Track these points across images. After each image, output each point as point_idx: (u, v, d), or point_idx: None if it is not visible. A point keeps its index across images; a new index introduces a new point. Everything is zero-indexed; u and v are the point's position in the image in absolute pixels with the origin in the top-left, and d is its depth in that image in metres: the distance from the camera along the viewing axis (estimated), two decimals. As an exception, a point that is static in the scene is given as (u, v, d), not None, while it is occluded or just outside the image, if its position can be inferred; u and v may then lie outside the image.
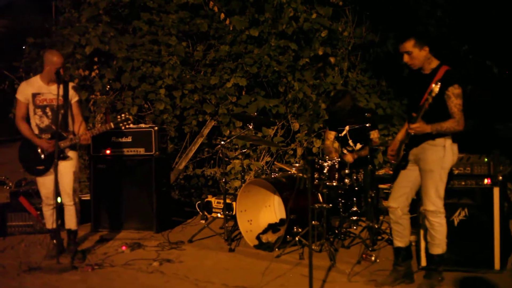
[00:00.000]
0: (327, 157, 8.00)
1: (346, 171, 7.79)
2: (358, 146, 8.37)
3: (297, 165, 8.76)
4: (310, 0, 11.15)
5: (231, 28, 10.93)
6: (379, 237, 7.84)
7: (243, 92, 10.96)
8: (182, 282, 6.63)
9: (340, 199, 8.07)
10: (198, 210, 9.92)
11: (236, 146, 10.75)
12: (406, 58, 5.95)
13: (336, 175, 7.72)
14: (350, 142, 8.39)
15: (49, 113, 7.35)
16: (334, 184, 7.71)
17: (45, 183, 7.43)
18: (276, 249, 7.67)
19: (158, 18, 11.00)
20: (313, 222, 7.39)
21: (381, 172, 9.01)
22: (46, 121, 7.35)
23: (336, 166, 7.73)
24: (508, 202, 6.93)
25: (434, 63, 5.91)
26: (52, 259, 7.16)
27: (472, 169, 6.56)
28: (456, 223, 6.54)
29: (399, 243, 6.29)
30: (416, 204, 6.37)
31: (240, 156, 10.11)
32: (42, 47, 10.99)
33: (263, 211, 8.59)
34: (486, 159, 6.53)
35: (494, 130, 10.81)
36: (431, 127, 5.72)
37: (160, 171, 9.07)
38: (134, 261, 7.37)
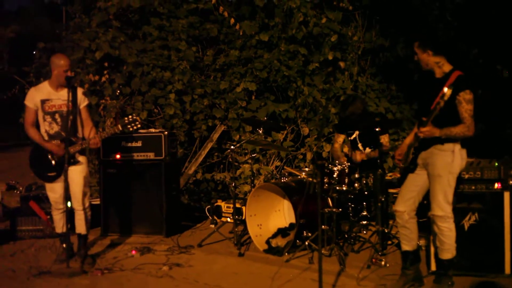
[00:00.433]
0: (337, 161, 7.98)
1: (356, 175, 7.77)
2: (368, 150, 8.35)
3: (306, 169, 8.74)
4: (320, 5, 11.14)
5: (241, 33, 10.94)
6: (389, 242, 7.83)
7: (253, 97, 10.96)
8: (192, 286, 6.64)
9: (350, 204, 8.06)
10: (208, 215, 9.92)
11: (246, 151, 10.75)
12: (415, 57, 6.04)
13: (346, 180, 7.71)
14: (360, 146, 8.38)
15: (58, 120, 7.36)
16: (344, 188, 7.69)
17: (53, 188, 7.45)
18: (286, 254, 7.66)
19: (168, 23, 11.02)
20: (323, 226, 7.38)
21: (390, 176, 8.99)
22: (55, 128, 7.36)
23: (346, 170, 7.71)
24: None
25: (447, 67, 5.91)
26: (62, 263, 7.18)
27: (482, 173, 6.54)
28: (466, 227, 6.53)
29: (406, 246, 6.28)
30: (425, 209, 6.35)
31: (249, 161, 10.10)
32: (52, 52, 10.97)
33: (272, 215, 8.59)
34: (496, 164, 6.52)
35: (506, 135, 10.75)
36: (440, 131, 5.72)
37: (170, 175, 9.08)
38: (143, 265, 7.38)
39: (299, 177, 8.44)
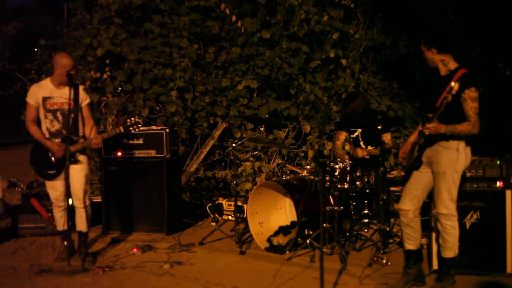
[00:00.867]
0: (338, 159, 7.96)
1: (358, 173, 7.76)
2: (370, 148, 8.34)
3: (308, 167, 8.74)
4: (322, 2, 11.13)
5: (242, 30, 10.93)
6: (391, 240, 7.83)
7: (254, 94, 10.95)
8: (193, 284, 6.63)
9: (351, 202, 8.07)
10: (209, 213, 9.92)
11: (247, 148, 10.74)
12: (423, 54, 6.06)
13: (348, 178, 7.70)
14: (362, 143, 8.37)
15: (60, 117, 7.34)
16: (346, 186, 7.69)
17: (54, 186, 7.44)
18: (287, 252, 7.65)
19: (169, 20, 11.00)
20: (324, 224, 7.37)
21: (392, 174, 8.98)
22: (56, 125, 7.34)
23: (348, 168, 7.71)
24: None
25: (452, 65, 5.90)
26: (63, 261, 7.19)
27: (484, 171, 6.55)
28: (468, 226, 6.53)
29: (410, 245, 6.27)
30: (427, 207, 6.35)
31: (251, 159, 10.09)
32: (53, 49, 11.01)
33: (274, 213, 8.58)
34: (498, 162, 6.52)
35: (507, 133, 10.75)
36: (445, 127, 5.71)
37: (171, 173, 9.07)
38: (145, 263, 7.38)
39: (300, 175, 8.44)
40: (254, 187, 8.22)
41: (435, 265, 6.53)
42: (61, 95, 7.31)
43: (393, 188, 8.48)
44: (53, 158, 7.31)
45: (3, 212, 9.61)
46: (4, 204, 9.76)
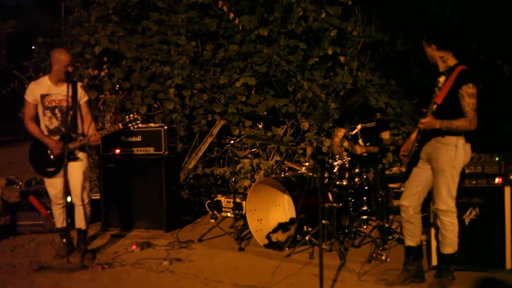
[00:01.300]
0: (337, 156, 7.97)
1: (356, 170, 7.77)
2: (368, 145, 8.34)
3: (306, 164, 8.74)
4: (320, 0, 11.12)
5: (240, 28, 10.92)
6: (390, 237, 7.83)
7: (253, 92, 10.94)
8: (192, 281, 6.63)
9: (350, 198, 8.06)
10: (208, 209, 9.92)
11: (246, 146, 10.74)
12: (424, 50, 6.06)
13: (346, 174, 7.70)
14: (360, 141, 8.37)
15: (58, 114, 7.33)
16: (344, 183, 7.69)
17: (53, 183, 7.43)
18: (286, 249, 7.67)
19: (167, 18, 10.99)
20: (323, 221, 7.37)
21: (391, 171, 8.99)
22: (55, 123, 7.33)
23: (346, 165, 7.71)
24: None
25: (451, 61, 5.91)
26: (62, 258, 7.17)
27: (483, 168, 6.56)
28: (467, 222, 6.53)
29: (410, 242, 6.28)
30: (426, 203, 6.35)
31: (249, 156, 10.10)
32: (51, 47, 10.99)
33: (273, 210, 8.59)
34: (497, 158, 6.53)
35: (506, 130, 10.76)
36: (440, 122, 5.73)
37: (170, 170, 9.08)
38: (144, 260, 7.39)
39: (299, 172, 8.44)
40: (253, 184, 8.22)
41: (434, 261, 6.55)
42: (60, 92, 7.30)
43: (392, 185, 8.48)
44: (52, 156, 7.30)
45: (1, 209, 9.63)
46: (3, 202, 9.78)
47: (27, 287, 6.54)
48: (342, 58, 11.02)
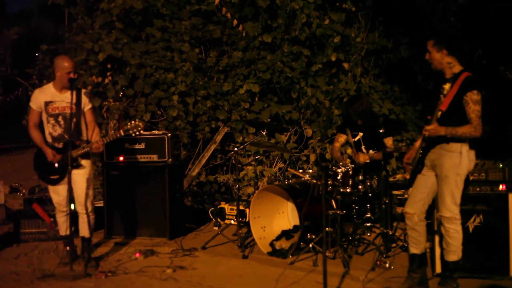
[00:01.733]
0: (340, 163, 7.95)
1: (360, 177, 7.76)
2: (371, 152, 8.33)
3: (310, 171, 8.74)
4: (323, 6, 11.13)
5: (244, 34, 10.94)
6: (394, 244, 7.81)
7: (256, 98, 10.96)
8: (196, 289, 6.63)
9: (354, 206, 8.06)
10: (211, 217, 9.91)
11: (249, 153, 10.74)
12: (427, 55, 5.99)
13: (350, 182, 7.69)
14: (363, 148, 8.36)
15: (62, 122, 7.32)
16: (348, 190, 7.68)
17: (56, 191, 7.43)
18: (290, 256, 7.65)
19: (171, 24, 11.02)
20: (327, 228, 7.36)
21: (395, 178, 8.98)
22: (58, 130, 7.33)
23: (350, 172, 7.70)
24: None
25: (457, 68, 5.89)
26: (65, 266, 7.16)
27: (487, 175, 6.55)
28: (471, 229, 6.51)
29: (414, 249, 6.26)
30: (431, 210, 6.34)
31: (253, 163, 10.10)
32: (55, 54, 10.97)
33: (276, 217, 8.58)
34: (501, 165, 6.51)
35: (510, 136, 10.73)
36: (445, 130, 5.72)
37: (173, 177, 9.06)
38: (147, 268, 7.37)
39: (302, 179, 8.43)
40: (256, 191, 8.22)
41: (438, 269, 6.52)
42: (63, 99, 7.30)
43: (395, 192, 8.47)
44: (56, 164, 7.29)
45: (5, 217, 9.63)
46: (6, 210, 9.78)
47: (31, 295, 6.56)
48: (346, 65, 11.04)
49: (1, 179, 9.92)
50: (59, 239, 8.07)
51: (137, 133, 7.31)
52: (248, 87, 10.57)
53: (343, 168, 7.72)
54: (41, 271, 7.25)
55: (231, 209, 9.64)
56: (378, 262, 7.09)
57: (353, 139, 8.40)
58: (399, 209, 8.27)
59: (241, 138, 10.65)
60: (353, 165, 7.77)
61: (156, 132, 9.39)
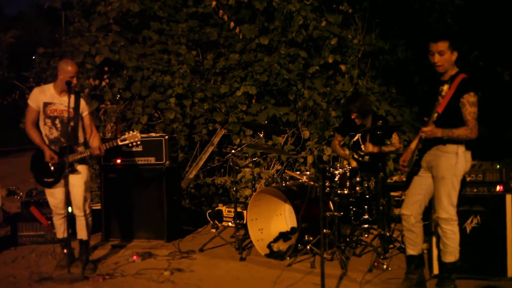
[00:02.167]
0: (341, 159, 7.94)
1: (357, 179, 7.77)
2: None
3: (307, 173, 8.74)
4: (320, 8, 11.14)
5: (240, 37, 10.95)
6: (391, 245, 7.81)
7: (253, 101, 10.96)
8: (193, 291, 6.63)
9: (351, 207, 8.05)
10: (209, 219, 9.92)
11: (247, 155, 10.73)
12: (436, 58, 5.84)
13: (347, 183, 7.71)
14: (363, 147, 8.36)
15: (58, 125, 7.30)
16: (345, 192, 7.70)
17: (53, 194, 7.41)
18: (288, 258, 7.64)
19: (168, 27, 11.03)
20: (325, 230, 7.36)
21: (392, 179, 8.99)
22: (55, 133, 7.31)
23: (347, 174, 7.71)
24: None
25: (454, 70, 5.89)
26: (63, 269, 7.15)
27: (484, 176, 6.56)
28: (468, 230, 6.52)
29: (411, 251, 6.27)
30: (428, 212, 6.34)
31: (250, 165, 10.10)
32: (52, 57, 11.02)
33: (274, 219, 8.58)
34: (498, 166, 6.52)
35: (507, 137, 10.74)
36: (442, 131, 5.73)
37: (171, 180, 9.06)
38: (145, 270, 7.36)
39: (300, 180, 8.43)
40: (254, 193, 8.21)
41: (435, 270, 6.53)
42: (62, 102, 7.27)
43: (393, 193, 8.47)
44: (52, 167, 7.28)
45: (2, 220, 9.61)
46: (4, 212, 9.76)
47: (28, 298, 6.56)
48: (343, 67, 11.04)
49: (-2, 182, 9.93)
50: (57, 242, 8.06)
51: (134, 144, 7.31)
52: (245, 89, 10.58)
53: (340, 170, 7.73)
54: (38, 274, 7.22)
55: (228, 211, 9.64)
56: (375, 264, 7.09)
57: (352, 140, 8.43)
58: (396, 211, 8.27)
59: (238, 140, 10.66)
60: (350, 167, 7.78)
61: (153, 134, 9.37)
